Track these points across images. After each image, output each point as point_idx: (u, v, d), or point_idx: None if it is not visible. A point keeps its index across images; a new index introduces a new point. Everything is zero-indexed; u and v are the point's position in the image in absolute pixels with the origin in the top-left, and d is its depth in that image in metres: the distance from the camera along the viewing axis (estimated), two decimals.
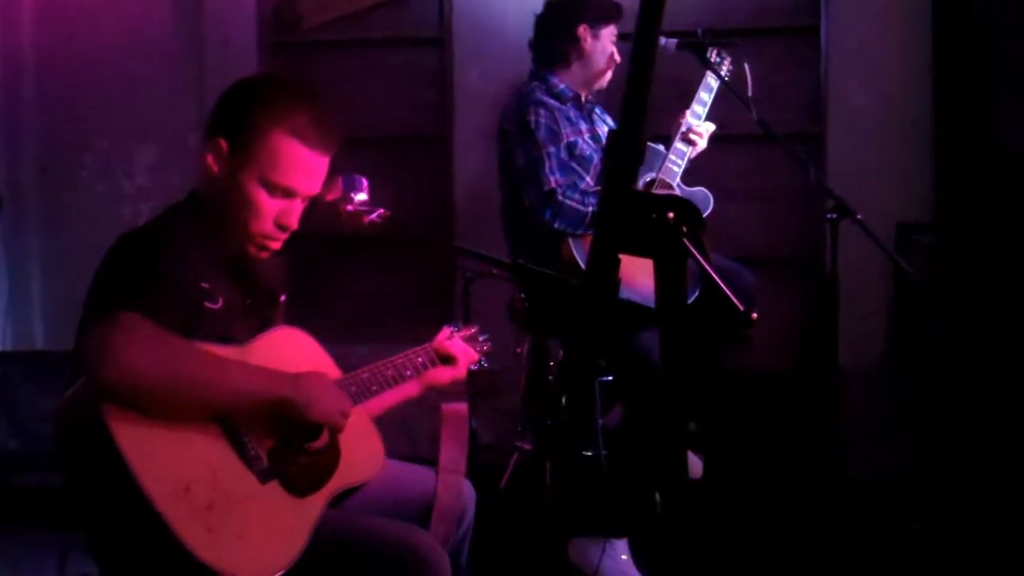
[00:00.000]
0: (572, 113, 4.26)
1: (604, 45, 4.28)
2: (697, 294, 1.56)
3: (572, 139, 4.17)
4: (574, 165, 4.16)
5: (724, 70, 4.36)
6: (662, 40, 4.22)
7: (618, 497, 3.88)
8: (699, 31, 4.36)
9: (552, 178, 4.05)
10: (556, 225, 4.04)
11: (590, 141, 4.24)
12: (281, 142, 2.42)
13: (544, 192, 4.05)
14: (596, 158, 4.21)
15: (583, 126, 4.26)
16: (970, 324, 4.43)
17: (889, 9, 5.14)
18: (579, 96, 4.32)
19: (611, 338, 3.86)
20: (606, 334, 1.45)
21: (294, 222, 2.48)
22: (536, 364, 4.25)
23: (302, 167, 2.45)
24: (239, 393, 2.25)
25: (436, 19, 5.67)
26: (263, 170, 2.42)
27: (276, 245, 2.51)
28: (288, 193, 2.45)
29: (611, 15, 4.29)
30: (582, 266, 3.94)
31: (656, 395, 3.95)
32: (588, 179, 4.17)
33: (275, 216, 2.46)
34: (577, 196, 4.03)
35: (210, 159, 2.45)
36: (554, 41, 4.31)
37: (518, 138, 4.16)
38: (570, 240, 4.02)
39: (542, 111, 4.14)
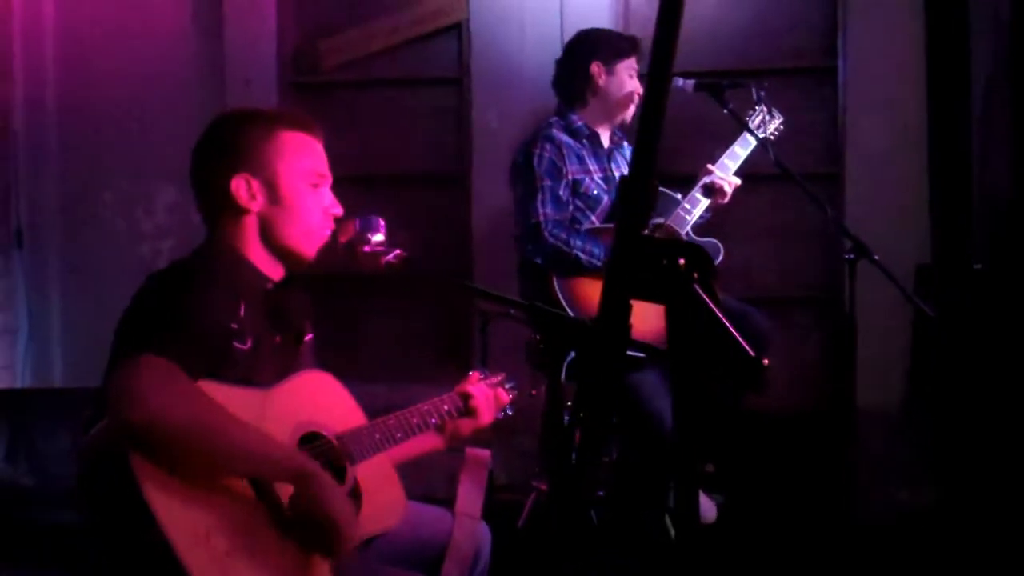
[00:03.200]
0: (586, 152, 4.31)
1: (620, 80, 4.34)
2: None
3: (578, 177, 4.22)
4: (578, 203, 4.21)
5: (772, 127, 4.38)
6: (679, 81, 4.26)
7: (617, 532, 3.89)
8: (723, 82, 4.36)
9: (541, 211, 4.10)
10: (537, 260, 4.09)
11: (600, 182, 4.28)
12: (291, 137, 2.53)
13: (530, 224, 4.13)
14: (606, 199, 4.23)
15: (593, 165, 4.31)
16: (988, 365, 4.41)
17: (906, 49, 5.14)
18: (597, 135, 4.35)
19: (621, 382, 3.87)
20: (617, 379, 1.45)
21: (339, 207, 2.59)
22: (552, 406, 4.24)
23: (315, 151, 2.58)
24: (253, 467, 2.24)
25: (455, 60, 5.70)
26: (300, 168, 2.52)
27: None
28: (323, 178, 2.57)
29: (624, 51, 4.35)
30: (565, 307, 3.96)
31: (653, 441, 3.97)
32: (593, 218, 4.20)
33: (326, 208, 2.57)
34: (564, 235, 4.07)
35: (243, 197, 2.47)
36: (570, 80, 4.40)
37: (521, 170, 4.26)
38: (555, 279, 4.04)
39: (548, 146, 4.22)
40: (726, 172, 4.25)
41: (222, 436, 2.17)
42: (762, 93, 4.38)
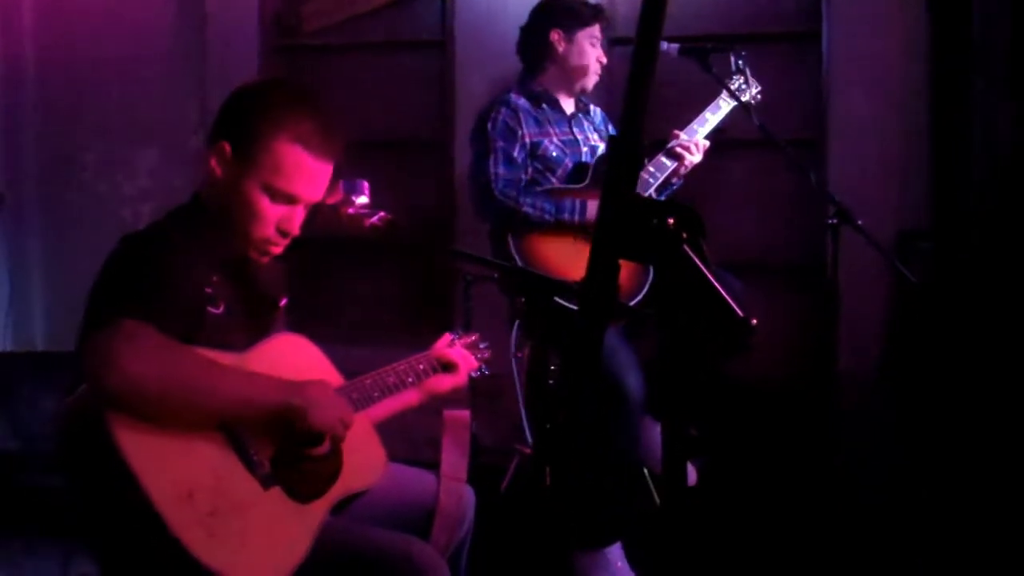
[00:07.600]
0: (545, 116, 4.35)
1: (580, 47, 4.38)
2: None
3: (535, 139, 4.27)
4: (537, 165, 4.25)
5: (748, 96, 4.38)
6: (664, 45, 4.25)
7: (603, 503, 3.91)
8: (708, 46, 4.36)
9: (492, 171, 4.16)
10: (486, 218, 4.17)
11: (560, 144, 4.30)
12: (285, 149, 2.43)
13: (480, 183, 4.18)
14: (567, 161, 4.25)
15: (553, 129, 4.35)
16: (970, 332, 4.42)
17: (891, 15, 5.13)
18: (557, 100, 4.41)
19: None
20: (601, 339, 1.46)
21: (295, 228, 2.49)
22: (537, 368, 4.25)
23: (305, 174, 2.45)
24: (240, 400, 2.26)
25: (437, 23, 5.67)
26: (266, 176, 2.43)
27: (277, 250, 2.52)
28: (291, 199, 2.46)
29: (585, 19, 4.40)
30: (519, 264, 3.98)
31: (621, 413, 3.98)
32: (553, 180, 4.23)
33: (277, 222, 2.47)
34: (513, 193, 4.11)
35: (213, 162, 2.46)
36: (530, 47, 4.46)
37: (475, 134, 4.32)
38: (510, 238, 4.06)
39: (504, 109, 4.28)
40: (692, 135, 4.25)
41: (205, 384, 2.20)
42: (740, 62, 4.39)
